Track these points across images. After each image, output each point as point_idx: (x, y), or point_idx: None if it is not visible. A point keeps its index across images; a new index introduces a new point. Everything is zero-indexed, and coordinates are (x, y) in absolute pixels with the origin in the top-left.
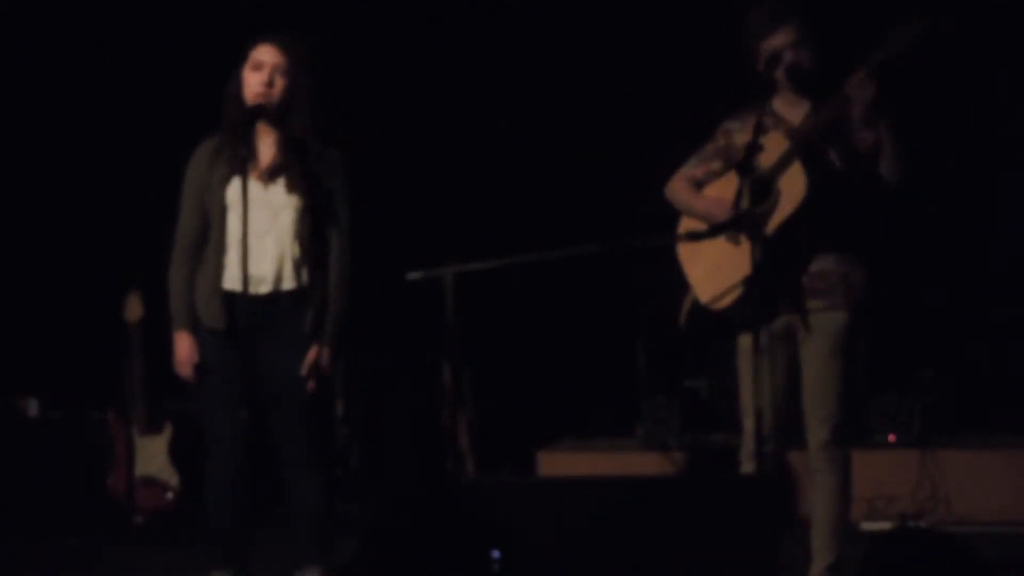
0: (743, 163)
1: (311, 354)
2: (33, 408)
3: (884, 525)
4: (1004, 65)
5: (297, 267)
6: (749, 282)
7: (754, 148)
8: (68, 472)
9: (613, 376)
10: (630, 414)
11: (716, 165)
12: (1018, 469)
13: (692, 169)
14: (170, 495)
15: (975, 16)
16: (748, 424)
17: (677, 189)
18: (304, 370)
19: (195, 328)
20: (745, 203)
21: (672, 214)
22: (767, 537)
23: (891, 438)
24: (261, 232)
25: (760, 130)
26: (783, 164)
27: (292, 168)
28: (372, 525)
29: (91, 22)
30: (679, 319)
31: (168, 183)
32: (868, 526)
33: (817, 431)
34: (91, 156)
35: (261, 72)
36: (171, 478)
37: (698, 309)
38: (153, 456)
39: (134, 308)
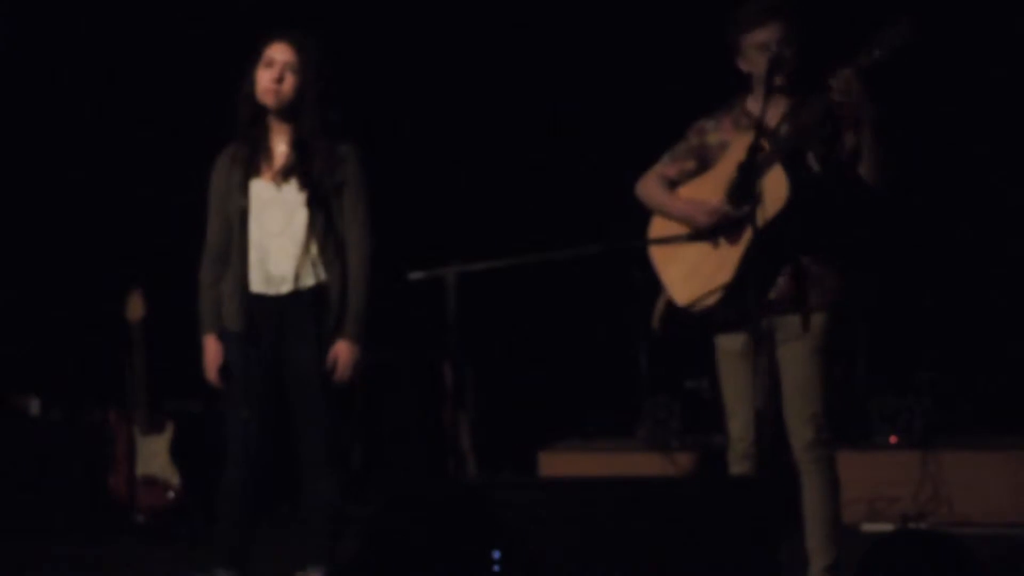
0: (746, 164)
1: (333, 351)
2: (34, 407)
3: (885, 526)
4: (997, 60)
5: (315, 264)
6: (735, 284)
7: (756, 149)
8: (69, 471)
9: (614, 376)
10: (631, 414)
11: (690, 164)
12: (1020, 470)
13: (665, 168)
14: (171, 494)
15: (963, 17)
16: (734, 426)
17: (650, 189)
18: (329, 366)
19: (221, 332)
20: (731, 206)
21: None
22: (768, 538)
23: (892, 439)
24: (277, 232)
25: (761, 131)
26: (763, 166)
27: (303, 167)
28: (373, 525)
29: (94, 22)
30: (652, 321)
31: (170, 183)
32: (869, 527)
33: (801, 432)
34: (93, 155)
35: (272, 69)
36: (172, 477)
37: (673, 311)
38: (154, 455)
39: (135, 307)
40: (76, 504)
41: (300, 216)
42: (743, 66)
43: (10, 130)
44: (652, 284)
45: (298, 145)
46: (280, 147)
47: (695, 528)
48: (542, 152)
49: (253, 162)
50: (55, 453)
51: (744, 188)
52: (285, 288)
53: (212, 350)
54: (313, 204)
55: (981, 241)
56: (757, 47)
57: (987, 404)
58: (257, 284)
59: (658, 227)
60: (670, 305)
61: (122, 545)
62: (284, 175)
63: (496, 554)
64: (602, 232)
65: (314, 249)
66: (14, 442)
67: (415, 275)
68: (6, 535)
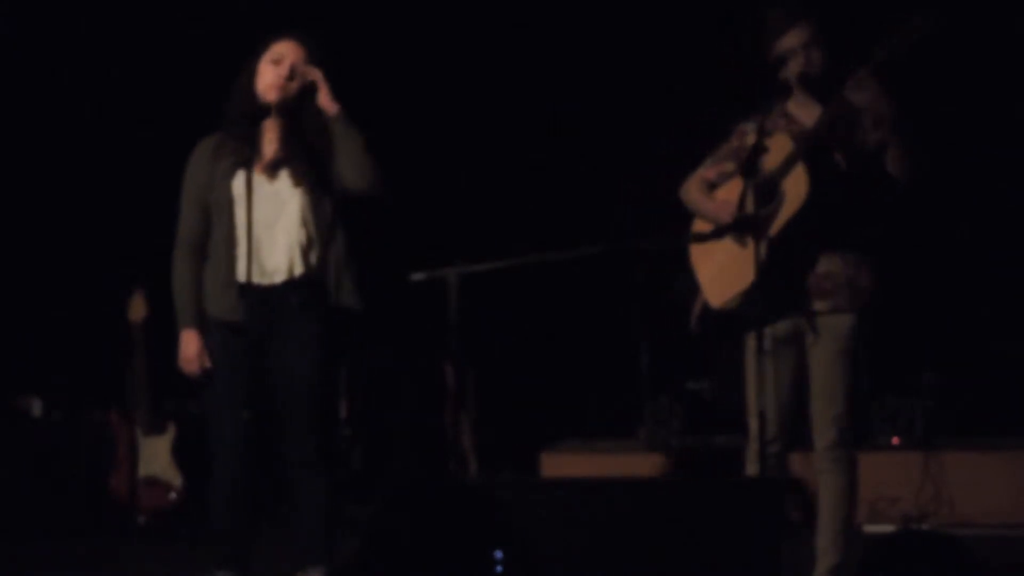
0: (747, 165)
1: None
2: (36, 408)
3: (887, 527)
4: (1008, 63)
5: (306, 252)
6: (757, 283)
7: (758, 150)
8: (71, 472)
9: (616, 377)
10: (633, 415)
11: (729, 166)
12: (1021, 471)
13: (706, 170)
14: (173, 495)
15: (980, 14)
16: (753, 425)
17: (690, 190)
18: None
19: (202, 325)
20: (749, 205)
21: (678, 215)
22: (770, 539)
23: (894, 440)
24: (270, 223)
25: (764, 132)
26: (787, 166)
27: (296, 161)
28: (374, 525)
29: (94, 21)
30: (691, 321)
31: (172, 182)
32: (871, 528)
33: (824, 432)
34: (95, 155)
35: (281, 65)
36: (174, 478)
37: (708, 310)
38: (156, 456)
39: (138, 308)
40: (78, 505)
41: (292, 207)
42: (780, 72)
43: (11, 130)
44: (654, 285)
45: (292, 139)
46: (269, 141)
47: (696, 529)
48: (543, 153)
49: (242, 153)
50: (57, 454)
51: (772, 188)
52: (279, 278)
53: (192, 344)
54: (314, 196)
55: (983, 241)
56: (785, 52)
57: (989, 405)
58: (250, 274)
59: (697, 229)
60: (706, 305)
61: (123, 546)
62: (274, 168)
63: (498, 555)
64: (603, 233)
65: (304, 238)
66: (16, 443)
67: (417, 276)
68: (7, 535)
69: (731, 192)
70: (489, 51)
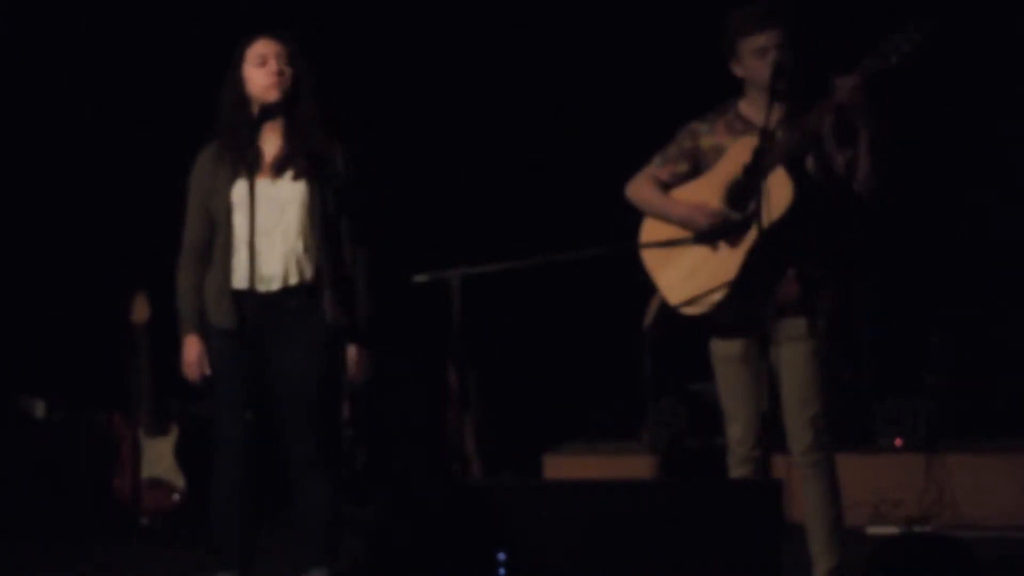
0: (752, 167)
1: (349, 355)
2: (39, 409)
3: (890, 529)
4: (994, 67)
5: (302, 262)
6: (736, 286)
7: (762, 152)
8: (73, 473)
9: (618, 379)
10: (635, 417)
11: (682, 167)
12: None
13: (657, 170)
14: (176, 497)
15: (967, 24)
16: (733, 431)
17: (644, 191)
18: (350, 374)
19: (204, 331)
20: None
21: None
22: (770, 541)
23: (897, 442)
24: (268, 229)
25: (767, 134)
26: (765, 169)
27: (298, 158)
28: (377, 527)
29: (95, 21)
30: (645, 323)
31: (175, 184)
32: (874, 530)
33: (800, 435)
34: (97, 157)
35: (267, 64)
36: (177, 480)
37: (667, 314)
38: (159, 458)
39: (141, 309)
40: (80, 506)
41: (292, 211)
42: (738, 71)
43: (13, 131)
44: (656, 287)
45: (294, 137)
46: (271, 142)
47: (697, 530)
48: (546, 154)
49: (244, 159)
50: (60, 455)
51: (747, 191)
52: (275, 285)
53: (194, 350)
54: (315, 198)
55: (983, 241)
56: (755, 52)
57: (992, 406)
58: (247, 281)
59: (651, 229)
60: (664, 307)
61: (127, 547)
62: (277, 169)
63: (501, 556)
64: (606, 234)
65: (301, 247)
66: (19, 444)
67: (420, 278)
68: (10, 536)
69: (692, 193)
70: (491, 53)
